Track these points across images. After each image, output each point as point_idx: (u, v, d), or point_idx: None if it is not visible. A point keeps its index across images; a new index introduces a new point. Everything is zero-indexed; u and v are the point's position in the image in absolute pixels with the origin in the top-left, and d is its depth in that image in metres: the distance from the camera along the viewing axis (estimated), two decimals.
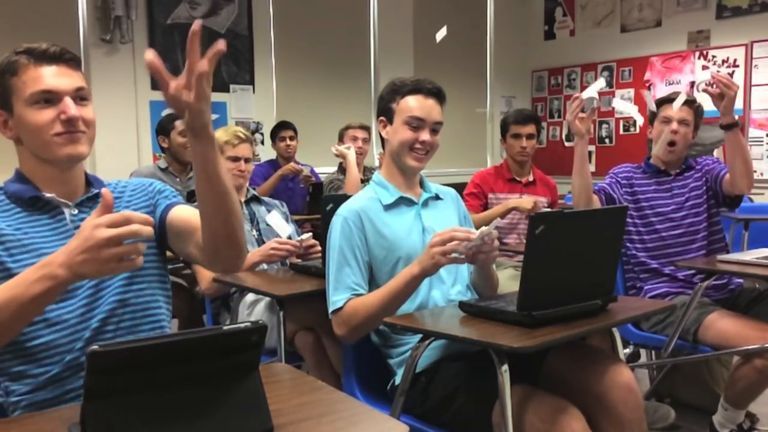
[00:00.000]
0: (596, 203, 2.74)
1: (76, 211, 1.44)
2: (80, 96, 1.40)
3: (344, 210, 1.96)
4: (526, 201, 3.20)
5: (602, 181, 2.84)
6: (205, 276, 2.52)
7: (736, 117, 2.59)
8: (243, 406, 0.99)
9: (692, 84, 6.23)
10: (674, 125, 2.72)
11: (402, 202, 2.00)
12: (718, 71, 2.42)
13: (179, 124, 3.55)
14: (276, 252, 2.50)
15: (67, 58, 1.40)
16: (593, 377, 1.66)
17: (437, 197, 2.08)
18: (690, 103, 2.75)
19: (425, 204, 2.03)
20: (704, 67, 2.50)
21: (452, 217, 2.07)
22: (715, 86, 2.47)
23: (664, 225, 2.72)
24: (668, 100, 2.77)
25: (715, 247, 2.75)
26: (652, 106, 2.77)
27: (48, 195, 1.41)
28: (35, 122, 1.36)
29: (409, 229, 1.96)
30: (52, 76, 1.37)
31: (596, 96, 2.65)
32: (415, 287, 1.81)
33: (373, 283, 1.93)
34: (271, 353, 2.41)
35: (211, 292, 2.56)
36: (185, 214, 1.50)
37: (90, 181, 1.52)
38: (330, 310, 1.89)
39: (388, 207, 1.97)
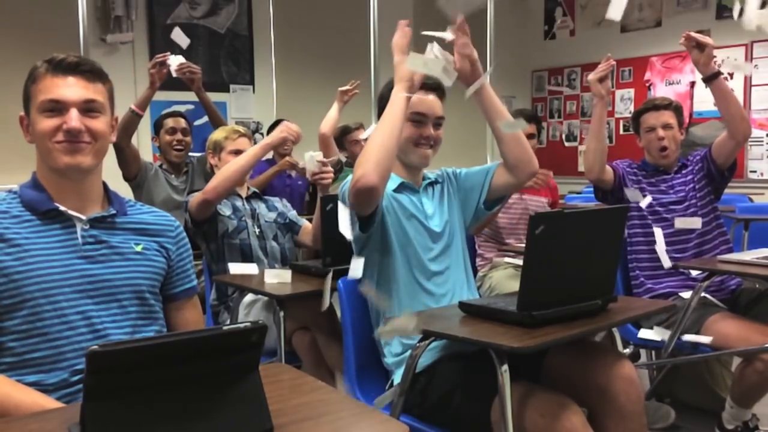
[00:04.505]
0: (609, 173, 2.77)
1: (88, 227, 1.43)
2: (89, 108, 1.41)
3: None
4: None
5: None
6: (196, 198, 2.54)
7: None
8: (243, 406, 0.99)
9: (692, 84, 6.23)
10: (660, 132, 2.76)
11: (404, 188, 2.01)
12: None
13: (168, 122, 3.52)
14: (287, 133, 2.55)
15: (84, 70, 1.42)
16: (595, 370, 1.68)
17: (435, 182, 2.10)
18: (667, 105, 2.80)
19: (425, 190, 2.06)
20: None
21: (450, 196, 2.09)
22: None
23: (670, 215, 2.74)
24: (645, 110, 2.83)
25: (717, 238, 2.76)
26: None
27: (62, 208, 1.41)
28: (41, 129, 1.39)
29: (410, 215, 1.98)
30: (63, 87, 1.40)
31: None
32: (402, 104, 1.81)
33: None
34: (271, 353, 2.41)
35: (197, 202, 2.53)
36: (189, 319, 1.60)
37: (110, 199, 1.51)
38: (352, 186, 1.79)
39: (394, 192, 1.98)
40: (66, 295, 1.37)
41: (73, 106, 1.39)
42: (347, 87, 3.83)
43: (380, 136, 1.80)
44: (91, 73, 1.44)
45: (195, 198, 2.54)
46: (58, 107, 1.39)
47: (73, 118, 1.38)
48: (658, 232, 2.59)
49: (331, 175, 2.57)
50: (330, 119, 3.79)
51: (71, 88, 1.40)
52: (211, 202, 2.53)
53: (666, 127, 2.77)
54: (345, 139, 4.14)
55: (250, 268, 2.48)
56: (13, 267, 1.34)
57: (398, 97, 1.83)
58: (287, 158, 4.27)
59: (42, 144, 1.40)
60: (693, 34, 2.56)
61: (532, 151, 2.02)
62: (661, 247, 2.52)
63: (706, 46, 2.53)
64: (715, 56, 2.59)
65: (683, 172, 2.82)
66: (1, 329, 1.34)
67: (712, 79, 2.58)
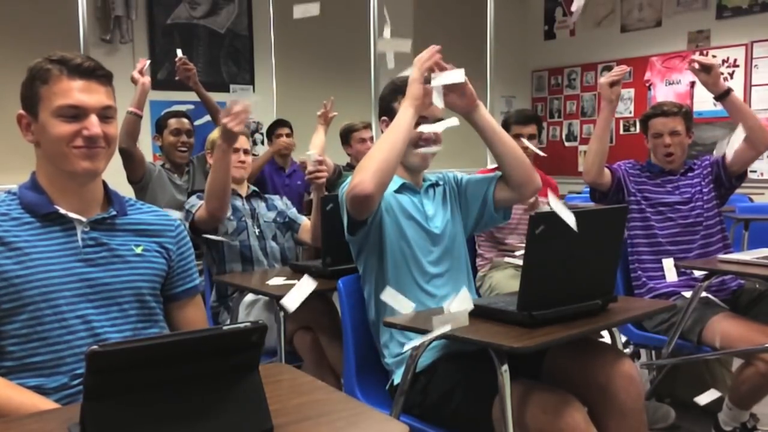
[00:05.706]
0: (607, 176, 2.77)
1: (88, 229, 1.43)
2: (106, 114, 1.41)
3: None
4: None
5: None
6: (202, 214, 2.52)
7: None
8: (243, 406, 0.99)
9: (692, 84, 6.23)
10: (667, 139, 2.77)
11: (405, 189, 2.01)
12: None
13: (172, 123, 3.50)
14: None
15: (99, 75, 1.42)
16: (595, 368, 1.68)
17: (437, 184, 2.10)
18: (676, 112, 2.80)
19: (426, 192, 2.06)
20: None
21: (452, 200, 2.10)
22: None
23: (675, 214, 2.75)
24: (653, 114, 2.83)
25: (720, 242, 2.76)
26: None
27: (62, 211, 1.40)
28: (58, 133, 1.37)
29: (410, 215, 1.98)
30: (82, 92, 1.38)
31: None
32: (409, 121, 1.82)
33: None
34: (271, 353, 2.41)
35: (203, 219, 2.52)
36: (191, 318, 1.58)
37: (111, 199, 1.50)
38: (348, 191, 1.80)
39: (395, 192, 1.98)
40: (66, 299, 1.36)
41: (93, 112, 1.38)
42: (322, 110, 3.83)
43: (383, 146, 1.80)
44: (105, 77, 1.43)
45: (200, 214, 2.53)
46: (78, 113, 1.37)
47: (95, 125, 1.37)
48: (668, 263, 2.54)
49: (326, 174, 2.60)
50: (318, 144, 3.79)
51: (91, 95, 1.39)
52: (218, 218, 2.54)
53: (673, 133, 2.77)
54: (351, 136, 4.14)
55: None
56: (13, 271, 1.33)
57: (406, 111, 1.84)
58: (281, 141, 4.30)
59: (56, 148, 1.38)
60: (696, 57, 2.61)
61: (533, 168, 2.03)
62: (670, 272, 2.50)
63: (712, 67, 2.57)
64: (716, 56, 2.60)
65: (689, 175, 2.83)
66: (1, 333, 1.34)
67: (723, 96, 2.62)
